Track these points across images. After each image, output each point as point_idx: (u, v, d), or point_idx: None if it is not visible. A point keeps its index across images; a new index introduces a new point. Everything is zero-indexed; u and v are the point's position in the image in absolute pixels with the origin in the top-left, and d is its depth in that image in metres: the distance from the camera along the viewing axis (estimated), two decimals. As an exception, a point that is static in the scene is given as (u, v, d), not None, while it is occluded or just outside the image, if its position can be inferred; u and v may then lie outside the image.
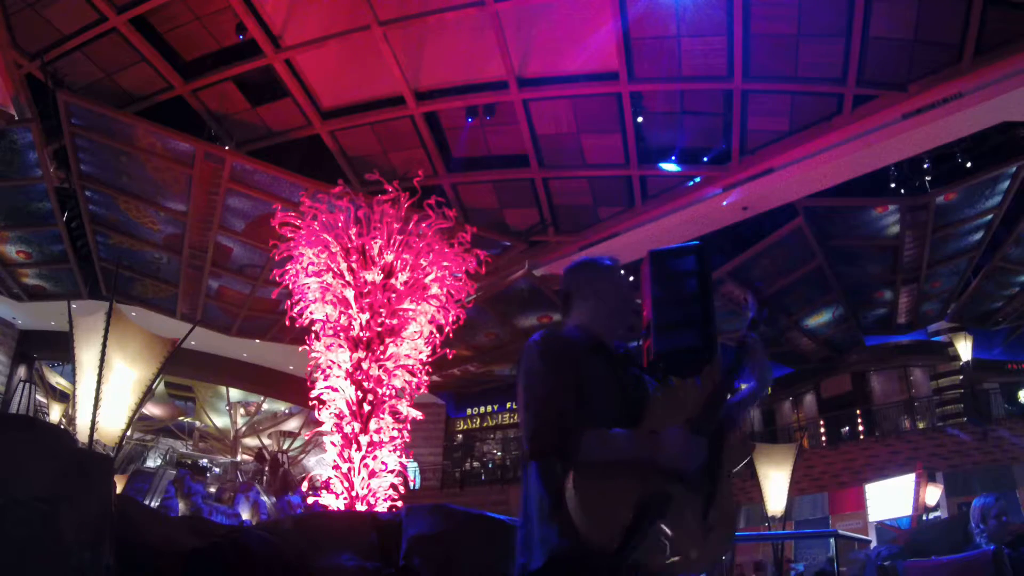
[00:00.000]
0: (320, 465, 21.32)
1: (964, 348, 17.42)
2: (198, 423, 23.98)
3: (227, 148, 12.69)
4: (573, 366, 1.91)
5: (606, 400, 1.91)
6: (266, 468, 19.94)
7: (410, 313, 7.48)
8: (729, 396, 1.95)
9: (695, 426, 1.81)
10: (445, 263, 7.64)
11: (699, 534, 1.74)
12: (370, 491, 6.97)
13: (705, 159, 12.74)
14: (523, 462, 1.90)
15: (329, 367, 7.33)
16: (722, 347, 2.04)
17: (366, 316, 7.24)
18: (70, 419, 12.33)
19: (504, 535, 5.19)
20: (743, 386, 2.04)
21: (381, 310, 7.27)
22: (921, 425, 17.62)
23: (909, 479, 14.80)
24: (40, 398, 19.04)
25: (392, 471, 7.16)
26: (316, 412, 7.43)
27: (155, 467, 21.53)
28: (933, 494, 14.11)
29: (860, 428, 18.53)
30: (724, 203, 12.54)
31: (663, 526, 1.68)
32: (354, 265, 7.40)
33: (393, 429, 7.25)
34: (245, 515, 14.86)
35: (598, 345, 2.06)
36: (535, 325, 16.04)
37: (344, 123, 13.12)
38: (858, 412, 18.76)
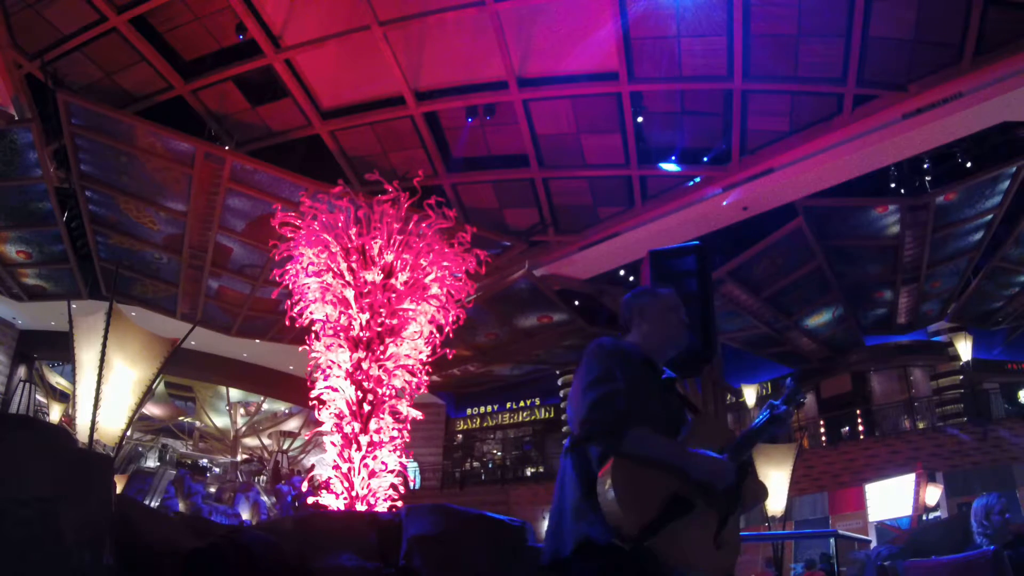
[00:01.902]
0: (320, 465, 21.33)
1: (964, 348, 17.42)
2: (198, 423, 23.98)
3: (227, 148, 12.69)
4: (632, 371, 2.11)
5: (653, 410, 2.10)
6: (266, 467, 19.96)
7: (410, 313, 7.48)
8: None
9: (730, 455, 2.04)
10: (445, 263, 7.63)
11: (710, 546, 1.89)
12: (370, 491, 6.96)
13: (705, 159, 12.74)
14: (563, 458, 2.09)
15: (329, 367, 7.32)
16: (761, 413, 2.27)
17: (366, 316, 7.24)
18: (70, 419, 12.34)
19: (504, 535, 5.19)
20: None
21: (381, 310, 7.26)
22: (921, 425, 17.61)
23: (909, 479, 14.80)
24: (40, 398, 19.05)
25: (392, 471, 7.15)
26: (316, 412, 7.41)
27: (155, 467, 21.53)
28: (933, 494, 14.12)
29: (860, 428, 18.53)
30: (724, 203, 12.54)
31: (683, 525, 1.83)
32: (354, 265, 7.40)
33: (393, 429, 7.24)
34: (245, 515, 14.87)
35: (651, 363, 2.27)
36: (535, 325, 16.05)
37: (344, 123, 13.12)
38: (858, 412, 18.76)
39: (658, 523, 1.77)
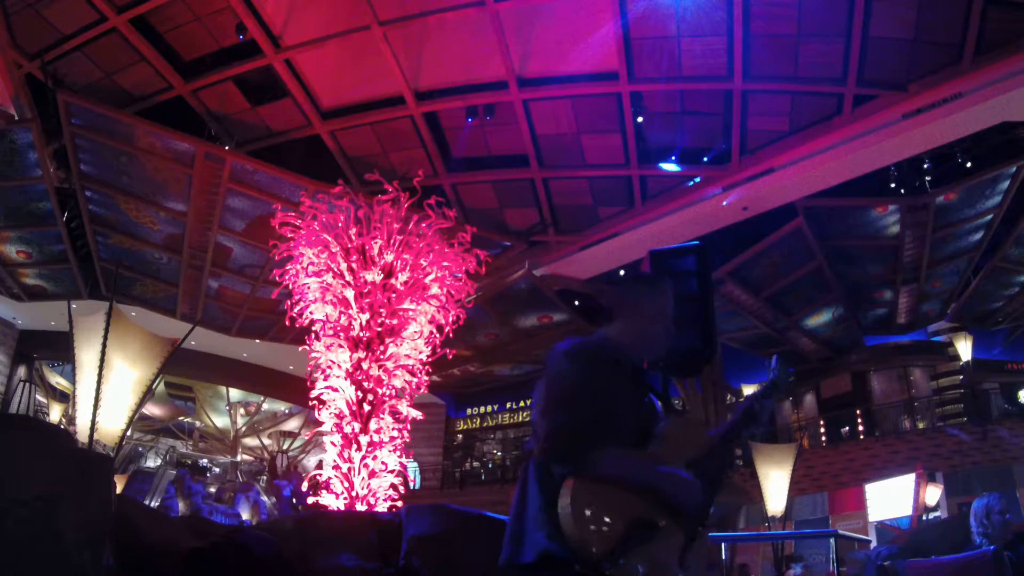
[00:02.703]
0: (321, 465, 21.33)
1: (964, 348, 17.41)
2: (198, 423, 23.97)
3: (227, 148, 12.69)
4: (597, 377, 1.96)
5: (622, 415, 1.96)
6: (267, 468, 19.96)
7: (410, 313, 7.48)
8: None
9: (699, 468, 1.91)
10: (445, 263, 7.63)
11: (673, 570, 1.80)
12: (370, 491, 6.96)
13: (705, 159, 12.74)
14: (527, 461, 1.96)
15: (329, 367, 7.32)
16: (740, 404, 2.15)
17: (366, 316, 7.24)
18: (70, 419, 12.34)
19: (504, 535, 5.19)
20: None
21: (381, 310, 7.26)
22: (921, 425, 17.61)
23: (909, 479, 14.79)
24: (40, 398, 19.05)
25: (392, 471, 7.15)
26: (316, 412, 7.42)
27: (155, 467, 21.54)
28: (933, 494, 14.11)
29: (860, 428, 18.52)
30: (724, 203, 12.54)
31: (644, 551, 1.73)
32: (354, 265, 7.40)
33: (393, 429, 7.24)
34: (245, 515, 14.86)
35: (625, 361, 2.09)
36: (535, 325, 16.05)
37: (344, 123, 13.12)
38: (858, 412, 18.75)
39: (621, 548, 1.69)
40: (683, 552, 1.82)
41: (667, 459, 1.89)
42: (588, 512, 1.72)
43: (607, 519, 1.73)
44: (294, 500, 13.45)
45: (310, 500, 7.30)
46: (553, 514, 1.76)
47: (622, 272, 15.44)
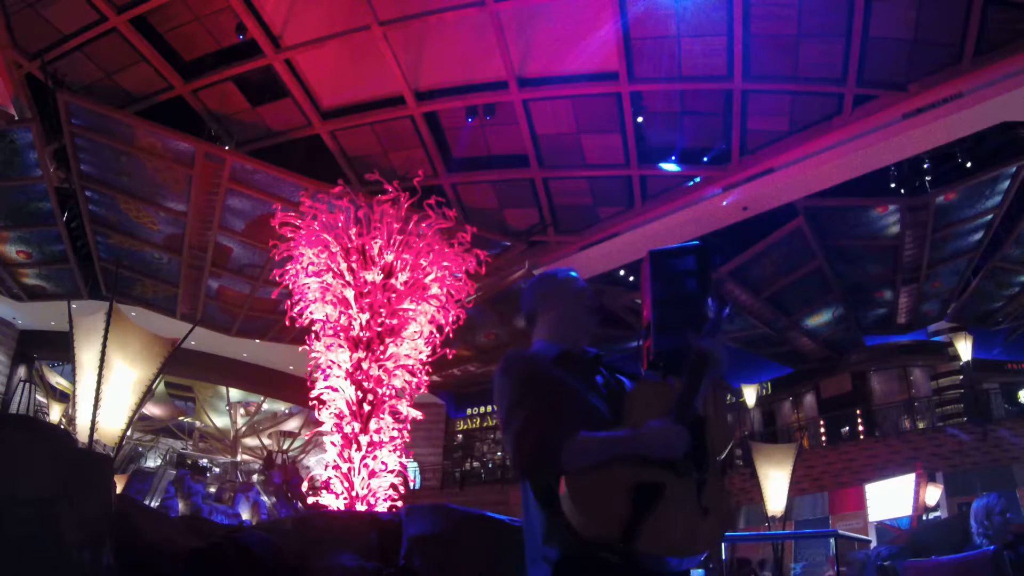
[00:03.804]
0: (319, 465, 21.33)
1: (964, 348, 17.41)
2: (198, 423, 23.98)
3: (227, 148, 12.69)
4: (541, 381, 1.95)
5: (581, 407, 1.94)
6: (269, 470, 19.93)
7: (410, 313, 7.48)
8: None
9: (674, 417, 1.84)
10: (445, 263, 7.63)
11: (695, 517, 1.77)
12: (370, 491, 6.96)
13: (705, 159, 12.74)
14: (519, 480, 1.95)
15: (329, 367, 7.33)
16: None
17: (366, 316, 7.24)
18: (70, 419, 12.34)
19: (504, 535, 5.19)
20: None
21: (381, 310, 7.27)
22: (921, 425, 17.61)
23: (909, 479, 14.80)
24: (40, 398, 19.05)
25: (392, 471, 7.16)
26: (316, 412, 7.42)
27: (155, 467, 21.55)
28: (933, 494, 14.12)
29: (860, 428, 18.52)
30: (724, 203, 12.54)
31: (661, 512, 1.71)
32: (354, 265, 7.40)
33: (393, 429, 7.25)
34: (245, 515, 14.88)
35: (566, 354, 2.08)
36: (535, 325, 16.01)
37: (344, 123, 13.12)
38: (858, 412, 18.76)
39: (636, 520, 1.68)
40: (698, 496, 1.80)
41: (639, 422, 1.84)
42: (591, 501, 1.71)
43: (611, 499, 1.71)
44: (285, 490, 13.33)
45: (310, 500, 7.31)
46: (560, 522, 1.74)
47: (631, 278, 15.44)
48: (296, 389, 14.45)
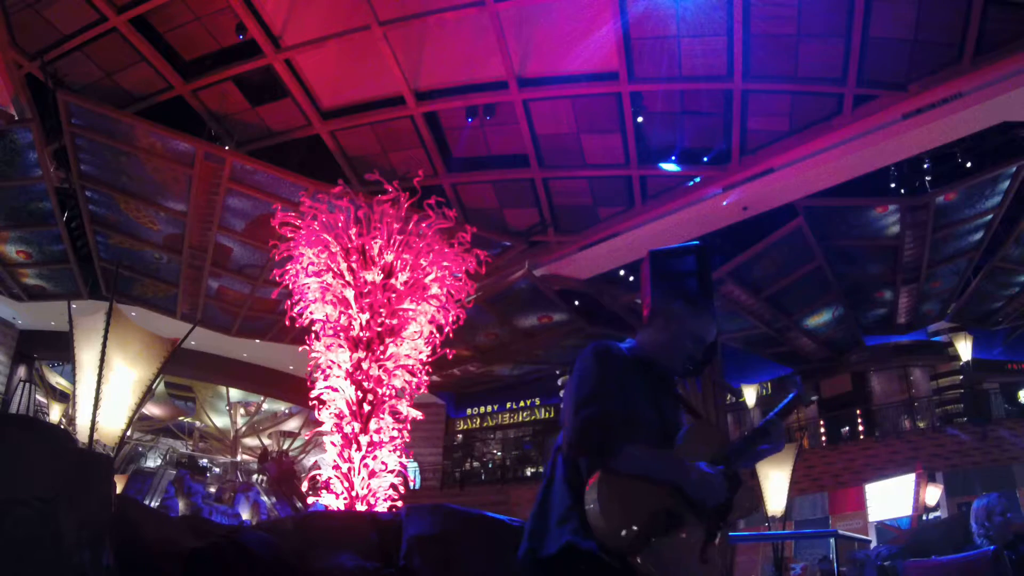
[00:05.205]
0: (320, 464, 21.32)
1: (964, 348, 17.41)
2: (198, 423, 23.98)
3: (227, 148, 12.69)
4: (624, 383, 2.07)
5: (646, 415, 2.08)
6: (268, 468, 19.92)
7: (410, 313, 7.48)
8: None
9: (723, 471, 2.00)
10: (445, 263, 7.63)
11: (695, 562, 1.87)
12: (370, 491, 6.96)
13: (705, 159, 12.74)
14: (552, 457, 2.07)
15: (329, 367, 7.33)
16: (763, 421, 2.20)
17: (366, 316, 7.24)
18: (70, 419, 12.34)
19: (504, 535, 5.19)
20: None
21: (381, 310, 7.27)
22: (921, 425, 17.61)
23: (909, 479, 14.81)
24: (40, 398, 19.05)
25: (392, 471, 7.15)
26: (316, 412, 7.42)
27: (155, 467, 21.54)
28: (933, 494, 14.13)
29: (860, 428, 18.52)
30: (724, 203, 12.53)
31: (670, 542, 1.82)
32: (354, 265, 7.40)
33: (393, 429, 7.24)
34: (245, 515, 14.88)
35: (650, 365, 2.22)
36: (535, 325, 16.05)
37: (344, 123, 13.12)
38: (858, 412, 18.75)
39: (644, 538, 1.77)
40: (704, 547, 1.89)
41: (688, 455, 1.98)
42: (615, 505, 1.79)
43: (633, 512, 1.80)
44: (280, 483, 13.26)
45: (310, 500, 7.31)
46: (580, 510, 1.83)
47: (631, 278, 15.46)
48: (296, 389, 14.47)
